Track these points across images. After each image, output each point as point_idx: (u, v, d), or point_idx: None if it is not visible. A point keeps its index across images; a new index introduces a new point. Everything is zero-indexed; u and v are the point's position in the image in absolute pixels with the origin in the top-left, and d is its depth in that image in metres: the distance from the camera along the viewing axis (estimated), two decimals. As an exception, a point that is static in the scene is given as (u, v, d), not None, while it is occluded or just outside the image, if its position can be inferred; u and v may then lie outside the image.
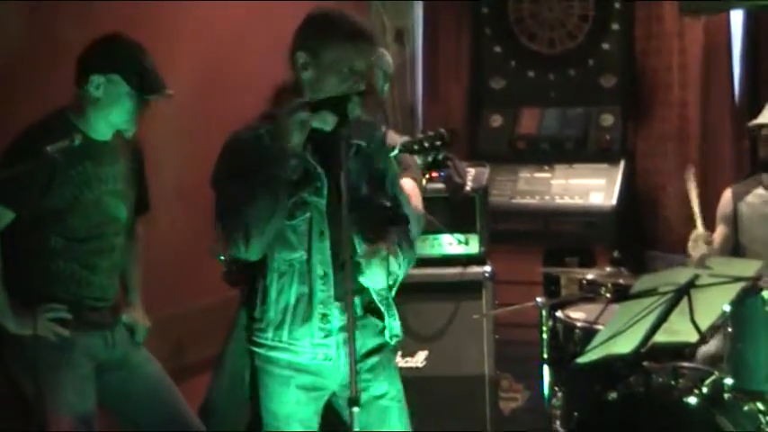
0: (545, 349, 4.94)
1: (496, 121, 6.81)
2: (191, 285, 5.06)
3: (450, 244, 5.49)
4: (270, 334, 3.51)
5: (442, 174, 5.09)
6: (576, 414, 4.72)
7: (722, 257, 4.93)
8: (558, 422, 4.91)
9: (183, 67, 5.17)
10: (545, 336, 4.94)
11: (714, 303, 3.99)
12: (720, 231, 5.29)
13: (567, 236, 6.39)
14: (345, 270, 3.20)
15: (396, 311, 3.62)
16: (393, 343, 3.62)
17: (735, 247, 5.22)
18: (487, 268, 5.48)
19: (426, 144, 4.61)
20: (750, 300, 4.26)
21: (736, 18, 6.46)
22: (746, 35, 6.46)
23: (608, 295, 4.88)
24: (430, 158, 4.65)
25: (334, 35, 3.40)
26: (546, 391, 4.95)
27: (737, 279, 3.94)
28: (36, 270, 3.92)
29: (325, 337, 3.49)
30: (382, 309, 3.56)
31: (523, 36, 6.84)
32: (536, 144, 6.70)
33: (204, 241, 4.71)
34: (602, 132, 6.59)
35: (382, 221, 3.51)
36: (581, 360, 3.88)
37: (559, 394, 4.91)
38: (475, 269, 5.47)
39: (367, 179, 3.54)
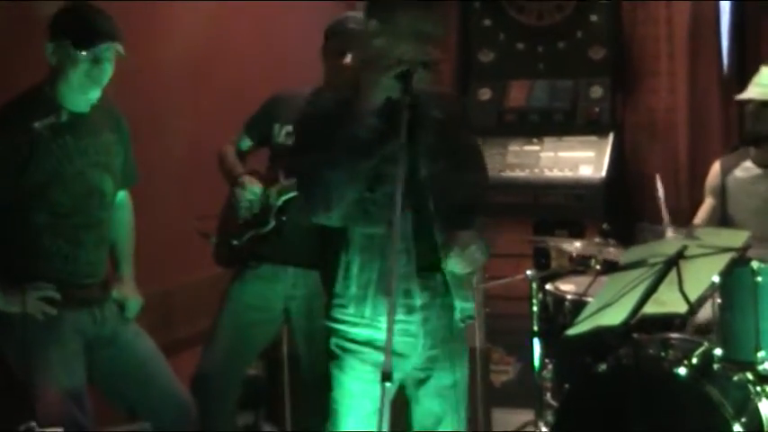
0: (535, 322, 4.95)
1: (485, 94, 6.79)
2: (181, 260, 5.06)
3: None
4: (351, 310, 3.48)
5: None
6: (566, 386, 4.73)
7: (710, 228, 4.94)
8: (548, 394, 4.92)
9: (175, 55, 5.19)
10: (535, 308, 4.95)
11: (703, 274, 3.99)
12: (708, 203, 5.30)
13: (556, 209, 6.39)
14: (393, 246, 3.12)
15: (470, 293, 3.60)
16: (463, 324, 3.59)
17: (722, 219, 5.22)
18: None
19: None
20: (739, 270, 4.26)
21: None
22: (734, 4, 6.45)
23: (597, 267, 4.88)
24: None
25: (399, 3, 3.39)
26: (536, 363, 4.96)
27: (726, 250, 3.94)
28: (22, 247, 3.91)
29: (408, 313, 3.45)
30: (453, 289, 3.52)
31: (512, 9, 6.81)
32: (525, 117, 6.68)
33: (192, 216, 4.73)
34: (591, 104, 6.57)
35: (464, 204, 3.48)
36: (570, 332, 3.88)
37: (550, 366, 4.91)
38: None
39: (446, 155, 3.50)
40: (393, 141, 3.23)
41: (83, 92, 3.92)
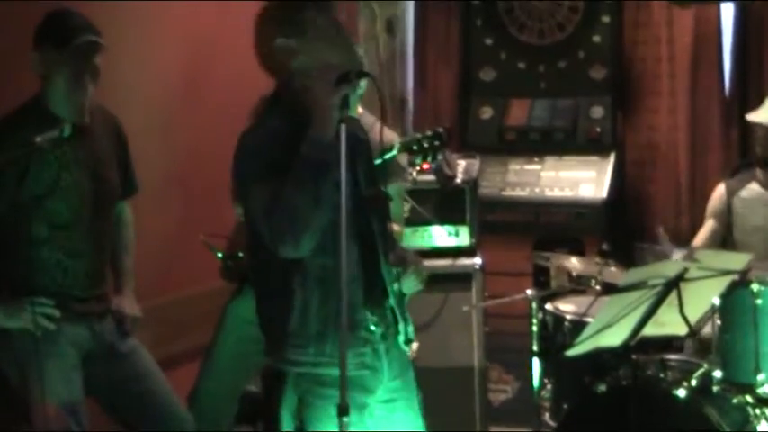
0: (534, 341, 4.94)
1: (486, 112, 6.80)
2: (180, 274, 5.06)
3: (440, 236, 5.49)
4: (312, 349, 3.24)
5: (433, 166, 5.09)
6: (565, 406, 4.73)
7: (711, 250, 4.94)
8: (547, 414, 4.91)
9: (171, 61, 5.18)
10: (534, 328, 4.94)
11: (703, 296, 3.99)
12: (709, 226, 5.29)
13: (556, 228, 6.38)
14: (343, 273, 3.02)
15: (408, 315, 3.46)
16: (407, 348, 3.46)
17: (724, 242, 5.22)
18: (477, 260, 5.49)
19: (425, 144, 4.62)
20: (739, 292, 4.26)
21: (727, 9, 6.46)
22: (737, 25, 6.46)
23: (597, 288, 4.88)
24: (429, 159, 4.65)
25: (308, 10, 3.27)
26: (535, 382, 4.96)
27: (727, 272, 3.94)
28: (21, 260, 3.91)
29: (365, 345, 3.30)
30: (398, 312, 3.40)
31: (513, 27, 6.82)
32: (526, 135, 6.69)
33: (192, 230, 4.73)
34: (592, 124, 6.58)
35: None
36: (570, 352, 3.88)
37: (549, 386, 4.91)
38: (465, 260, 5.48)
39: (371, 178, 3.42)
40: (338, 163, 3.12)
41: (72, 94, 3.92)
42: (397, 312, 3.40)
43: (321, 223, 3.12)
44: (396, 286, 3.41)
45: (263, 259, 3.27)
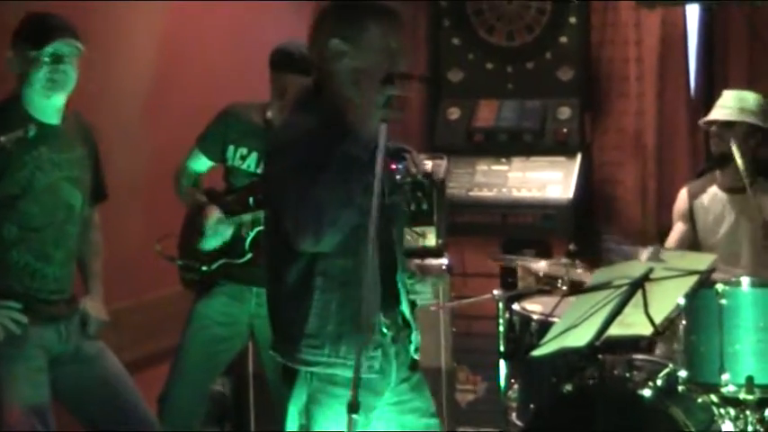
0: (501, 342, 4.95)
1: (454, 113, 6.80)
2: (146, 277, 5.04)
3: (407, 237, 5.49)
4: (327, 350, 3.27)
5: (400, 166, 5.09)
6: (532, 406, 4.74)
7: (676, 251, 4.97)
8: (514, 414, 4.92)
9: (139, 64, 5.16)
10: (501, 328, 4.95)
11: (668, 296, 4.01)
12: (679, 228, 5.34)
13: (524, 229, 6.39)
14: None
15: (417, 324, 3.49)
16: (416, 356, 3.49)
17: (694, 244, 5.26)
18: (445, 261, 5.49)
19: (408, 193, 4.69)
20: (704, 292, 4.28)
21: (693, 11, 6.50)
22: (702, 28, 6.50)
23: (564, 288, 4.89)
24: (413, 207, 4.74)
25: (368, 18, 3.31)
26: (502, 383, 4.97)
27: (691, 272, 3.96)
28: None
29: (376, 348, 3.32)
30: (410, 320, 3.44)
31: (481, 29, 6.83)
32: (493, 136, 6.69)
33: (158, 233, 4.71)
34: (559, 125, 6.59)
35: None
36: (536, 353, 3.90)
37: (516, 386, 4.92)
38: (432, 261, 5.47)
39: (392, 185, 3.46)
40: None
41: (47, 96, 3.92)
42: (410, 319, 3.44)
43: (349, 222, 3.14)
44: (408, 295, 3.43)
45: (282, 259, 3.29)
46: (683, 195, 5.38)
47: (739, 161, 4.89)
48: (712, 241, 5.21)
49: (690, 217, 5.30)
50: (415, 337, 3.47)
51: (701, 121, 5.32)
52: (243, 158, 4.59)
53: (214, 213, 4.58)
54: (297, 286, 3.29)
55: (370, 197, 3.04)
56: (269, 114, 4.59)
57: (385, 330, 3.36)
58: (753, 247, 5.14)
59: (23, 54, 3.89)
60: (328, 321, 3.27)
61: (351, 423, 2.98)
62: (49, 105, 3.94)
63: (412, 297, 3.47)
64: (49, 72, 3.89)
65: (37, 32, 3.89)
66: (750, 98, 5.23)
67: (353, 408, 2.98)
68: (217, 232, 4.55)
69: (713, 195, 5.26)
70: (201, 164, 4.75)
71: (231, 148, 4.62)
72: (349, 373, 3.13)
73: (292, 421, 3.33)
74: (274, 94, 4.55)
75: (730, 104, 5.20)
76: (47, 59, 3.88)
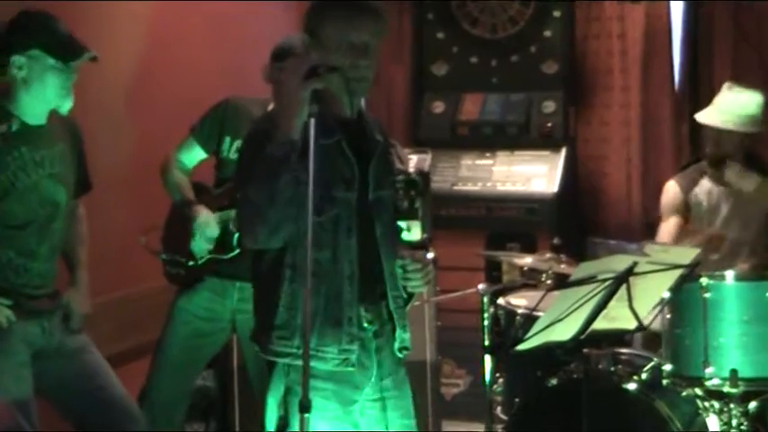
0: (486, 336, 4.95)
1: (438, 106, 6.80)
2: (128, 271, 5.03)
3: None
4: (296, 341, 3.24)
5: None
6: (516, 400, 4.75)
7: (661, 245, 4.96)
8: (499, 408, 4.92)
9: (124, 57, 5.15)
10: (486, 322, 4.94)
11: (653, 290, 4.01)
12: (673, 222, 5.29)
13: (508, 222, 6.40)
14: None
15: (407, 323, 3.47)
16: (401, 355, 3.47)
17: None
18: (429, 255, 5.47)
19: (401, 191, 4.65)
20: (688, 286, 4.29)
21: (677, 4, 6.51)
22: (686, 20, 6.51)
23: (548, 282, 4.89)
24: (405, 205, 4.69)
25: (328, 12, 3.29)
26: (487, 377, 4.96)
27: (676, 266, 3.96)
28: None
29: (352, 342, 3.30)
30: (396, 317, 3.42)
31: (466, 22, 6.83)
32: (478, 130, 6.69)
33: (141, 227, 4.71)
34: (544, 118, 6.59)
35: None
36: (520, 347, 3.89)
37: (501, 380, 4.92)
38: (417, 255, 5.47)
39: (389, 178, 3.45)
40: (350, 168, 3.23)
41: (58, 104, 3.91)
42: (396, 317, 3.42)
43: (281, 218, 3.11)
44: (397, 291, 3.42)
45: (257, 251, 3.31)
46: (673, 188, 5.33)
47: (734, 172, 4.90)
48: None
49: (684, 210, 5.27)
50: (400, 335, 3.44)
51: (700, 120, 5.23)
52: (238, 151, 4.55)
53: (202, 214, 4.56)
54: (268, 278, 3.31)
55: (337, 189, 3.14)
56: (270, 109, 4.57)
57: (366, 325, 3.35)
58: (749, 239, 5.15)
59: (38, 62, 3.84)
60: (297, 313, 3.25)
61: (303, 423, 2.99)
62: (44, 109, 3.93)
63: (404, 283, 3.43)
64: (64, 83, 3.88)
65: (66, 46, 3.86)
66: (751, 102, 5.14)
67: (305, 407, 2.99)
68: (204, 234, 4.54)
69: (705, 188, 5.24)
70: (193, 156, 4.70)
71: (227, 139, 4.60)
72: (323, 366, 3.23)
73: (271, 413, 3.32)
74: (275, 88, 4.53)
75: (731, 110, 5.12)
76: (69, 73, 3.88)
